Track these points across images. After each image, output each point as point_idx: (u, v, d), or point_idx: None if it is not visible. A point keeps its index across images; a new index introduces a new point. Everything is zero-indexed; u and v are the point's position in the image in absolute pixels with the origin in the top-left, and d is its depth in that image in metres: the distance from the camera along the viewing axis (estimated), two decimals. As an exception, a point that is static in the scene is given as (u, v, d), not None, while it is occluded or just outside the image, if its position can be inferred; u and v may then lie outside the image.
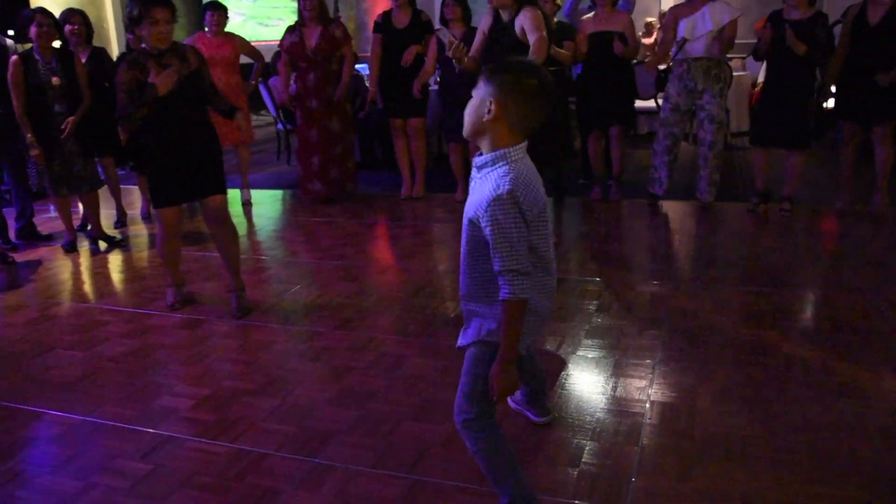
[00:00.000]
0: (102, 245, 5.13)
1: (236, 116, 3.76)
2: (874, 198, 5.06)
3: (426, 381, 2.97)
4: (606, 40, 5.24)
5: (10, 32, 6.16)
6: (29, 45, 4.69)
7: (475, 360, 1.99)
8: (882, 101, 4.69)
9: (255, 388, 2.97)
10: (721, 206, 5.45)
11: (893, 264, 4.12)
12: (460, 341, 2.03)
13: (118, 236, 5.24)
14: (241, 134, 5.95)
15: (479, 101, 1.87)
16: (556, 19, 5.48)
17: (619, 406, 2.72)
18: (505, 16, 4.00)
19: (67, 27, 5.17)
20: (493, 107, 1.82)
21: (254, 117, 8.13)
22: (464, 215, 1.94)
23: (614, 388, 2.85)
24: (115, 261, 4.87)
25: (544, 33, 3.87)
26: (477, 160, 1.91)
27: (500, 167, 1.84)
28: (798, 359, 3.03)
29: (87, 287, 4.46)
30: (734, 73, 7.40)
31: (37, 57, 4.59)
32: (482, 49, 4.15)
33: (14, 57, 4.57)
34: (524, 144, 1.87)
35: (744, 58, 8.58)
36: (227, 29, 5.87)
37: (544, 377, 2.50)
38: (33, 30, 4.55)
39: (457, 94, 5.66)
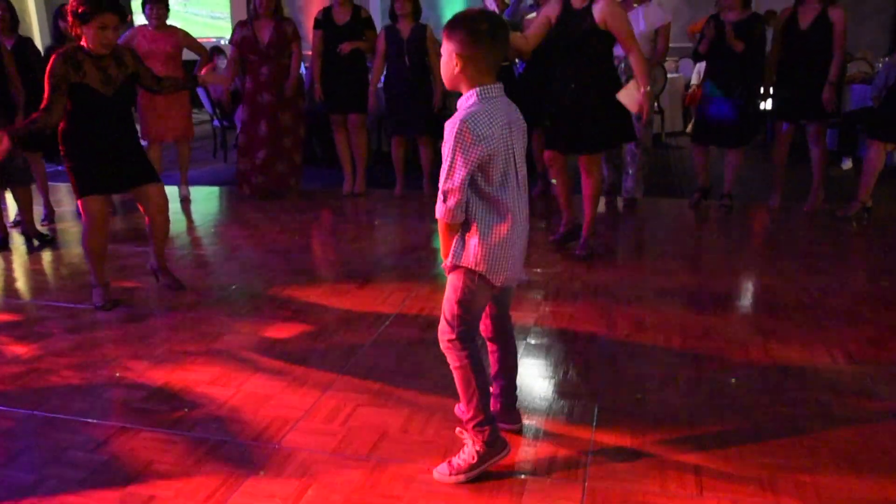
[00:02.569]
0: (35, 242, 4.95)
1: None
2: (810, 195, 5.32)
3: (380, 370, 2.99)
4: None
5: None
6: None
7: (450, 284, 2.22)
8: (815, 101, 4.96)
9: (208, 379, 2.94)
10: (658, 202, 5.65)
11: (825, 255, 4.36)
12: (446, 267, 2.24)
13: (48, 233, 5.06)
14: (183, 129, 5.87)
15: (447, 58, 2.08)
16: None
17: (572, 389, 2.81)
18: (577, 2, 4.02)
19: None
20: (457, 60, 2.05)
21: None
22: None
23: (565, 374, 2.94)
24: (49, 258, 4.72)
25: (627, 22, 4.02)
26: (458, 101, 2.11)
27: (469, 102, 2.06)
28: (738, 341, 3.19)
29: (23, 284, 4.32)
30: (668, 75, 7.67)
31: None
32: (542, 33, 4.13)
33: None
34: (498, 85, 2.08)
35: (677, 60, 8.90)
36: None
37: (515, 365, 2.49)
38: None
39: (400, 89, 5.71)
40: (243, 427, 2.57)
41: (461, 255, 2.15)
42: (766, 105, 5.55)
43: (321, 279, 4.18)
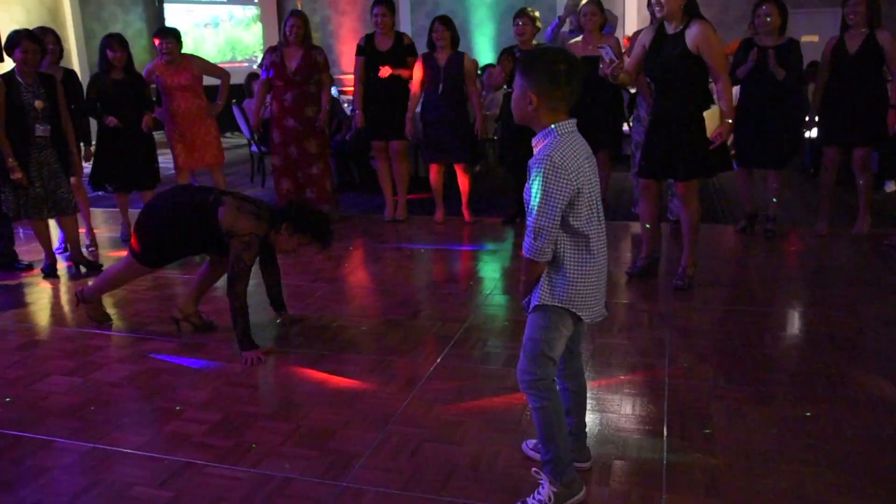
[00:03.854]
0: (83, 269, 4.99)
1: None
2: (858, 220, 5.23)
3: (442, 403, 2.95)
4: (595, 65, 5.34)
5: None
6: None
7: (533, 324, 2.17)
8: (864, 126, 4.89)
9: (268, 413, 2.92)
10: (705, 228, 5.56)
11: (878, 284, 4.26)
12: (526, 307, 2.20)
13: (94, 260, 5.09)
14: (213, 157, 5.89)
15: (520, 95, 2.09)
16: (535, 42, 5.58)
17: (639, 425, 2.75)
18: (670, 28, 4.01)
19: None
20: (532, 98, 2.05)
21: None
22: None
23: (631, 409, 2.88)
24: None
25: (723, 51, 3.99)
26: (533, 140, 2.11)
27: (548, 139, 2.05)
28: (802, 374, 3.11)
29: (71, 312, 4.31)
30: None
31: (19, 80, 4.49)
32: (640, 62, 4.15)
33: (-4, 79, 4.47)
34: (572, 121, 2.08)
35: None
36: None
37: (584, 403, 2.46)
38: (18, 55, 4.45)
39: (439, 117, 5.72)
40: (309, 463, 2.53)
41: (548, 292, 2.12)
42: (812, 132, 5.49)
43: (372, 308, 4.15)
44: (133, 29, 12.26)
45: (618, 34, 11.02)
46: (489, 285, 4.45)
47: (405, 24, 13.08)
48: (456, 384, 3.11)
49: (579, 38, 5.59)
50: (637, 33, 5.33)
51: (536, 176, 1.99)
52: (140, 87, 5.48)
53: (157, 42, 5.64)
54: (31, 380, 3.29)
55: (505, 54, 5.53)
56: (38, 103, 4.53)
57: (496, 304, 4.10)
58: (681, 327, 3.70)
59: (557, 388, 2.23)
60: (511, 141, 5.66)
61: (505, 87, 5.65)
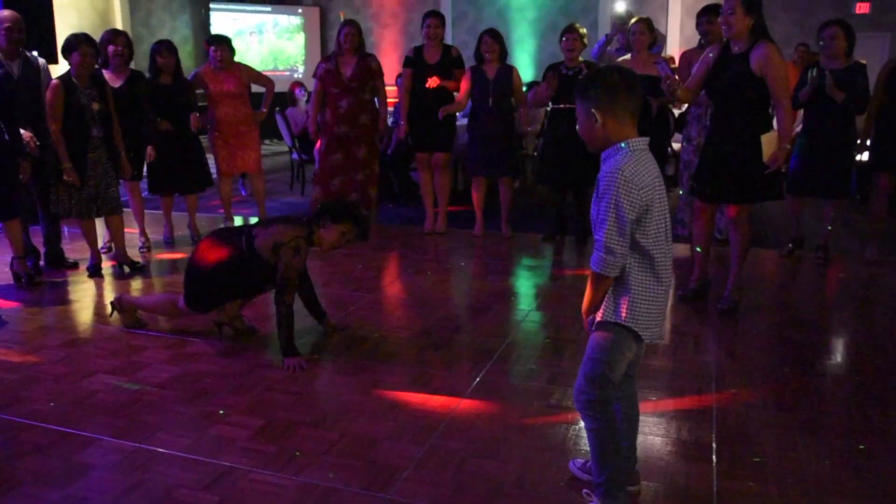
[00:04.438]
0: (126, 269, 5.04)
1: None
2: None
3: (485, 418, 2.92)
4: (644, 85, 5.31)
5: (34, 53, 6.16)
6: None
7: (595, 343, 2.14)
8: None
9: (311, 420, 2.90)
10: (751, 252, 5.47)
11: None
12: (589, 327, 2.19)
13: (139, 261, 5.14)
14: (254, 163, 6.00)
15: (585, 117, 2.09)
16: (582, 59, 5.55)
17: (688, 449, 2.69)
18: (736, 47, 3.96)
19: (111, 48, 5.17)
20: (596, 115, 2.05)
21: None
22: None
23: (678, 433, 2.82)
24: (141, 286, 4.79)
25: (786, 75, 3.93)
26: (602, 155, 2.10)
27: (619, 154, 2.04)
28: (855, 404, 3.02)
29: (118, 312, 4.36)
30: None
31: (75, 82, 4.57)
32: (703, 79, 4.11)
33: (55, 81, 4.54)
34: (643, 139, 2.06)
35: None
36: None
37: (637, 426, 2.42)
38: (76, 58, 4.53)
39: (485, 130, 5.71)
40: (353, 474, 2.51)
41: (613, 310, 2.09)
42: (863, 156, 5.38)
43: (412, 320, 4.13)
44: (179, 35, 12.47)
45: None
46: (529, 302, 4.42)
47: (446, 39, 13.14)
48: (499, 400, 3.08)
49: (627, 57, 5.55)
50: (687, 53, 5.28)
51: (606, 190, 1.98)
52: (187, 92, 5.57)
53: (210, 49, 5.73)
54: (77, 377, 3.32)
55: (551, 71, 5.51)
56: (94, 105, 4.61)
57: (536, 321, 4.06)
58: (728, 351, 3.63)
59: (614, 410, 2.19)
60: (552, 157, 5.63)
61: (550, 104, 5.61)
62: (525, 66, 12.81)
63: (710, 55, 4.11)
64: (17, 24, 4.67)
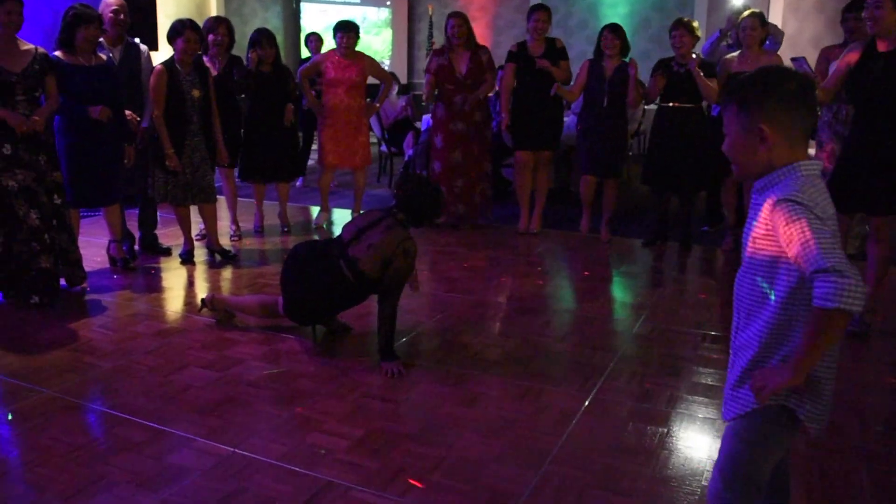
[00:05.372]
0: (217, 257, 4.97)
1: None
2: None
3: (603, 443, 2.65)
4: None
5: (137, 39, 6.19)
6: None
7: (734, 435, 1.67)
8: None
9: (414, 433, 2.70)
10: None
11: None
12: (727, 411, 1.69)
13: (231, 250, 5.07)
14: (363, 158, 5.83)
15: (744, 137, 1.62)
16: (694, 54, 5.19)
17: (841, 501, 2.36)
18: (882, 45, 3.63)
19: (211, 37, 5.13)
20: (765, 132, 1.57)
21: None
22: (743, 251, 1.67)
23: (823, 474, 2.49)
24: (233, 276, 4.70)
25: None
26: (758, 183, 1.64)
27: (790, 178, 1.57)
28: None
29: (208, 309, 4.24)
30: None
31: (178, 68, 4.51)
32: (843, 80, 3.80)
33: (159, 66, 4.50)
34: (817, 163, 1.60)
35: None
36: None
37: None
38: (180, 44, 4.48)
39: (597, 128, 5.42)
40: (462, 499, 2.29)
41: (773, 381, 1.53)
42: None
43: (513, 326, 3.89)
44: (270, 26, 12.51)
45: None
46: (634, 312, 4.10)
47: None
48: (616, 423, 2.80)
49: (736, 54, 5.15)
50: (825, 51, 4.85)
51: (792, 212, 1.49)
52: (286, 81, 5.49)
53: (336, 35, 5.63)
54: (169, 370, 3.21)
55: (661, 67, 5.17)
56: (195, 92, 4.55)
57: (646, 335, 3.75)
58: (862, 382, 3.25)
59: None
60: (660, 159, 5.28)
61: (658, 101, 5.28)
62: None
63: (853, 53, 3.73)
64: (122, 8, 4.64)
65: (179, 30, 4.47)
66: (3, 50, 3.78)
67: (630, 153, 7.16)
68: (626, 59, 5.37)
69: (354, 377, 3.18)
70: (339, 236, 3.44)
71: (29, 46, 3.91)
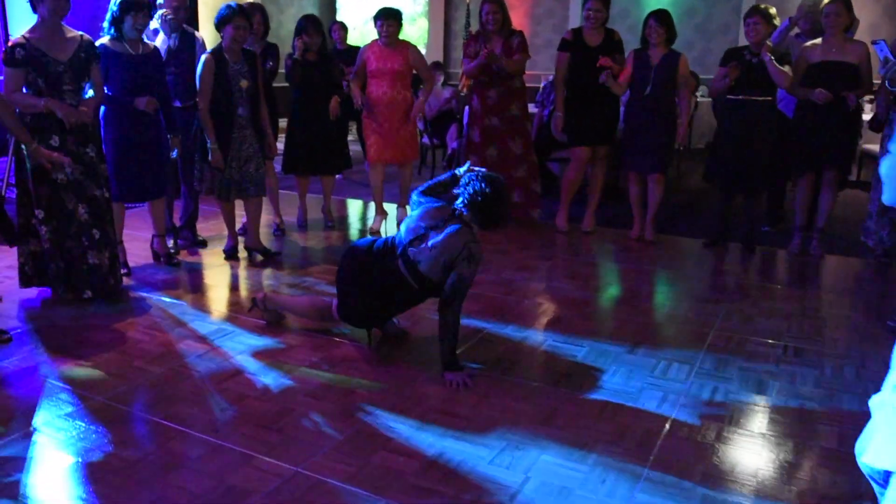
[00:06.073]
0: (259, 257, 4.77)
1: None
2: None
3: (688, 467, 2.44)
4: (839, 71, 4.65)
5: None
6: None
7: None
8: None
9: (488, 457, 2.50)
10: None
11: None
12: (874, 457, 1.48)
13: (273, 249, 4.86)
14: (412, 152, 5.57)
15: None
16: (769, 43, 4.90)
17: None
18: None
19: None
20: None
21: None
22: None
23: None
24: (277, 274, 4.52)
25: None
26: None
27: None
28: None
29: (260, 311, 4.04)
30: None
31: (227, 57, 4.33)
32: None
33: (206, 55, 4.33)
34: None
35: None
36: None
37: None
38: (230, 31, 4.28)
39: (641, 121, 5.18)
40: (551, 534, 2.10)
41: None
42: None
43: (578, 332, 3.67)
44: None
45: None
46: (704, 321, 3.84)
47: (574, 23, 12.56)
48: (701, 448, 2.58)
49: (818, 41, 4.86)
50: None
51: None
52: (331, 70, 5.27)
53: (377, 24, 5.28)
54: (222, 376, 3.05)
55: (733, 57, 4.89)
56: (243, 83, 4.36)
57: (721, 346, 3.51)
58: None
59: None
60: (725, 155, 5.01)
61: (729, 94, 4.99)
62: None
63: None
64: (183, 2, 4.54)
65: (229, 16, 4.27)
66: (50, 38, 3.63)
67: (680, 147, 6.84)
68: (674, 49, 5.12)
69: (417, 389, 2.99)
70: (399, 235, 3.25)
71: (74, 34, 3.75)
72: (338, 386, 3.00)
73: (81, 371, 3.08)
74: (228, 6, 4.34)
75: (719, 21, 10.77)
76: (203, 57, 4.35)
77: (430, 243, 3.08)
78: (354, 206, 6.55)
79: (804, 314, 3.99)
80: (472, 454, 2.51)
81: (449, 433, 2.64)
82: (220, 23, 4.32)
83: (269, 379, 3.03)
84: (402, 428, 2.67)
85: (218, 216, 4.96)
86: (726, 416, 2.82)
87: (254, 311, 3.70)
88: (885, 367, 3.20)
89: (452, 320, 3.02)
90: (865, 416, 1.75)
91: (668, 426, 2.73)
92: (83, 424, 2.64)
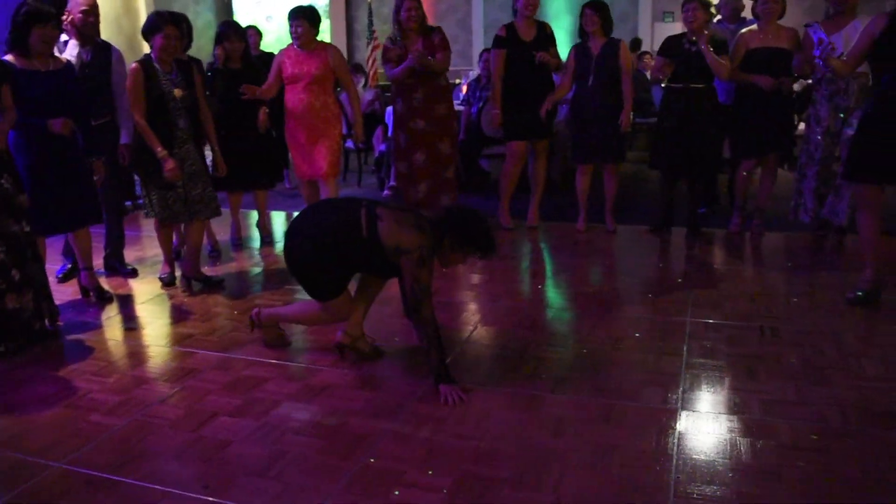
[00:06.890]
0: (196, 286, 4.36)
1: None
2: None
3: (722, 468, 2.36)
4: (775, 57, 4.75)
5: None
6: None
7: None
8: None
9: (511, 477, 2.34)
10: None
11: None
12: None
13: (214, 276, 4.46)
14: (330, 164, 4.98)
15: None
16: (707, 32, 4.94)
17: None
18: None
19: None
20: None
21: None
22: None
23: None
24: (221, 300, 4.20)
25: None
26: None
27: None
28: None
29: (216, 333, 3.68)
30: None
31: (156, 66, 3.97)
32: (866, 52, 3.68)
33: (134, 65, 3.95)
34: None
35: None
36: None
37: None
38: (159, 41, 3.91)
39: (589, 113, 5.14)
40: (604, 558, 1.97)
41: None
42: None
43: (560, 333, 3.57)
44: (203, 20, 11.81)
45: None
46: (677, 308, 3.82)
47: (477, 18, 12.52)
48: (722, 441, 2.52)
49: (754, 27, 4.95)
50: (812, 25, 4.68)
51: None
52: (257, 79, 4.92)
53: (290, 25, 4.84)
54: (196, 422, 2.76)
55: (672, 45, 4.90)
56: (177, 92, 3.99)
57: (702, 334, 3.48)
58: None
59: None
60: (668, 141, 5.04)
61: (666, 81, 5.02)
62: (561, 42, 12.16)
63: (877, 24, 3.60)
64: (93, 9, 4.13)
65: (158, 25, 3.90)
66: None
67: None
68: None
69: (413, 410, 2.80)
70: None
71: (-24, 52, 3.33)
72: (327, 419, 2.76)
73: (26, 434, 2.70)
74: (157, 13, 3.99)
75: (619, 10, 11.03)
76: (131, 66, 3.97)
77: (398, 222, 2.95)
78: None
79: (769, 293, 4.04)
80: (492, 477, 2.34)
81: (461, 456, 2.47)
82: (149, 32, 3.96)
83: (250, 419, 2.77)
84: (411, 457, 2.47)
85: (138, 240, 4.56)
86: (731, 405, 2.77)
87: (256, 331, 3.47)
88: (861, 342, 3.30)
89: (431, 329, 2.85)
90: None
91: (680, 421, 2.65)
92: (45, 502, 2.31)
